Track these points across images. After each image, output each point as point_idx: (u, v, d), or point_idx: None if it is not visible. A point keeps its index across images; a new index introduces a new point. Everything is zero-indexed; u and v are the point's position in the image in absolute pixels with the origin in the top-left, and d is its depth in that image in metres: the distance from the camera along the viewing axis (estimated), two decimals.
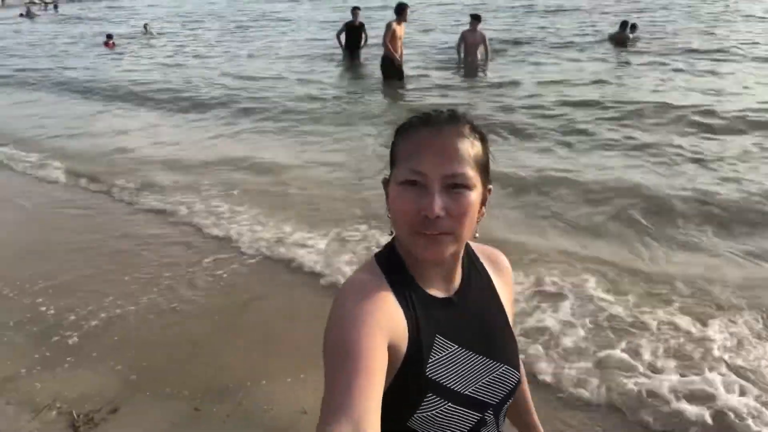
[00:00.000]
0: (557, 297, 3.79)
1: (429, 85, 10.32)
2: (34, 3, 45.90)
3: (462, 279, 1.11)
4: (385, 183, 1.07)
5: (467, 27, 11.50)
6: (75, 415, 2.93)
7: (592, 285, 3.91)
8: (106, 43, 18.71)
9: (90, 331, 3.69)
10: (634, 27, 13.49)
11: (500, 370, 1.10)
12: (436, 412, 0.99)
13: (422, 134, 1.00)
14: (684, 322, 3.48)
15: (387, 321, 0.94)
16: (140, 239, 4.99)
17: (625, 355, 3.22)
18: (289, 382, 3.12)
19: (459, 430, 1.02)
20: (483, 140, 1.04)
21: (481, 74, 11.24)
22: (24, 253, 4.85)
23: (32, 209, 5.85)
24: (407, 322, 0.99)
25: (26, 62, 16.43)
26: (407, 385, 0.99)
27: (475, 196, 0.99)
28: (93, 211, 5.67)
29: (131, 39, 19.93)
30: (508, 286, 1.21)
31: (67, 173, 6.87)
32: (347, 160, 6.67)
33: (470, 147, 1.00)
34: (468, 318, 1.09)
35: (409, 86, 10.27)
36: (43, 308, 3.95)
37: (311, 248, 4.59)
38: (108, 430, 2.86)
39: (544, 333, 3.44)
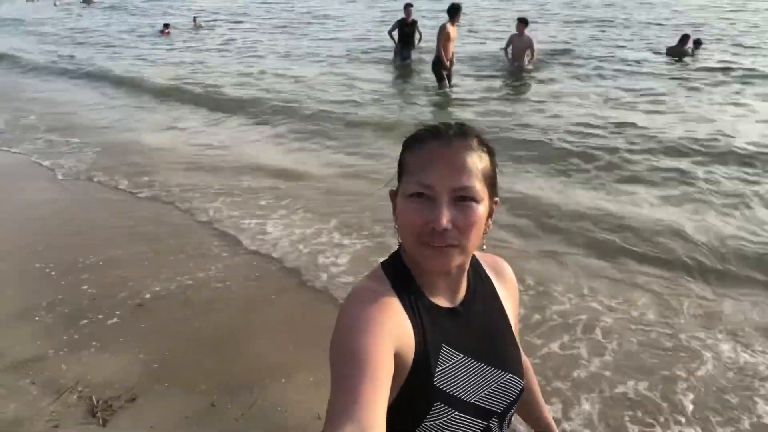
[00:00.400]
0: None
1: (474, 92, 10.16)
2: None
3: (467, 289, 1.13)
4: (393, 195, 1.09)
5: (515, 32, 11.36)
6: (95, 400, 2.98)
7: None
8: (162, 32, 19.22)
9: (119, 316, 3.76)
10: (697, 43, 13.00)
11: (505, 379, 1.12)
12: (444, 421, 1.01)
13: (431, 147, 1.01)
14: None
15: (394, 328, 0.96)
16: (176, 235, 5.03)
17: None
18: (306, 385, 3.11)
19: None
20: (491, 154, 1.06)
21: (528, 82, 11.04)
22: (68, 236, 4.98)
23: (74, 198, 5.98)
24: (414, 331, 1.01)
25: (81, 52, 16.82)
26: (415, 395, 1.00)
27: (482, 209, 1.01)
28: (131, 206, 5.71)
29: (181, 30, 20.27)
30: (512, 296, 1.24)
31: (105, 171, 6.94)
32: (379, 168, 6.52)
33: (478, 160, 1.01)
34: (473, 327, 1.11)
35: (455, 94, 10.07)
36: (77, 291, 4.05)
37: (344, 254, 4.56)
38: (125, 417, 2.90)
39: None
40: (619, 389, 3.11)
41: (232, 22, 22.31)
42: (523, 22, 11.08)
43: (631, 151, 6.86)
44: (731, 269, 4.30)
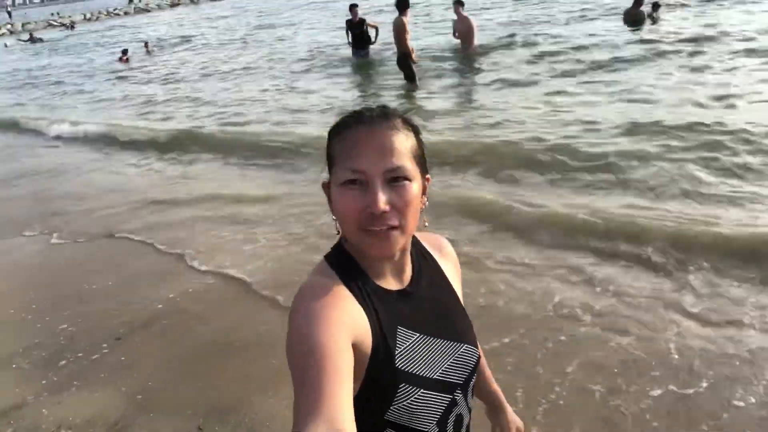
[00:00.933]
0: None
1: (439, 86, 9.97)
2: (53, 25, 47.29)
3: (413, 269, 1.14)
4: (326, 186, 1.07)
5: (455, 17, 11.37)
6: None
7: None
8: (120, 59, 19.02)
9: (99, 352, 3.69)
10: (655, 5, 12.83)
11: (461, 350, 1.14)
12: (411, 401, 1.02)
13: (357, 132, 1.01)
14: None
15: (348, 320, 0.95)
16: (146, 266, 4.94)
17: None
18: (290, 400, 3.05)
19: (433, 414, 1.05)
20: (416, 132, 1.07)
21: (477, 64, 11.03)
22: (39, 278, 4.89)
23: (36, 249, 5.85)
24: (368, 319, 1.00)
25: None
26: (379, 380, 1.00)
27: (416, 187, 1.02)
28: (98, 249, 5.56)
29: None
30: (455, 270, 1.26)
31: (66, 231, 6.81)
32: None
33: (405, 140, 1.02)
34: (424, 305, 1.12)
35: (422, 90, 9.79)
36: (53, 332, 3.97)
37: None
38: None
39: None
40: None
41: (181, 44, 22.20)
42: (459, 4, 11.03)
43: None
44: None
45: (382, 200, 0.97)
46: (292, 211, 5.59)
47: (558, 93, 8.41)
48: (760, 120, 6.15)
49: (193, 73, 15.21)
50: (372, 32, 12.36)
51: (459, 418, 1.13)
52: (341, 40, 13.48)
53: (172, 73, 15.74)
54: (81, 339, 3.86)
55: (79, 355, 3.69)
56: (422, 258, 1.19)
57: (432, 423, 1.05)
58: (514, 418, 1.43)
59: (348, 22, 12.22)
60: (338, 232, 1.08)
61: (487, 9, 17.75)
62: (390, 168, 0.98)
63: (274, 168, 7.22)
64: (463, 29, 11.41)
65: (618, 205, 4.85)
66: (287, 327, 0.95)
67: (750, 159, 5.40)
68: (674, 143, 5.93)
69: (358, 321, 0.98)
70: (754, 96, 7.13)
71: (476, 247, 4.48)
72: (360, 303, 1.01)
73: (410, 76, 9.82)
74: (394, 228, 1.00)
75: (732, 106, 6.87)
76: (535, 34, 12.67)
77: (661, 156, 5.67)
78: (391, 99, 9.41)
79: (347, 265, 1.07)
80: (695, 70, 8.59)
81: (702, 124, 6.30)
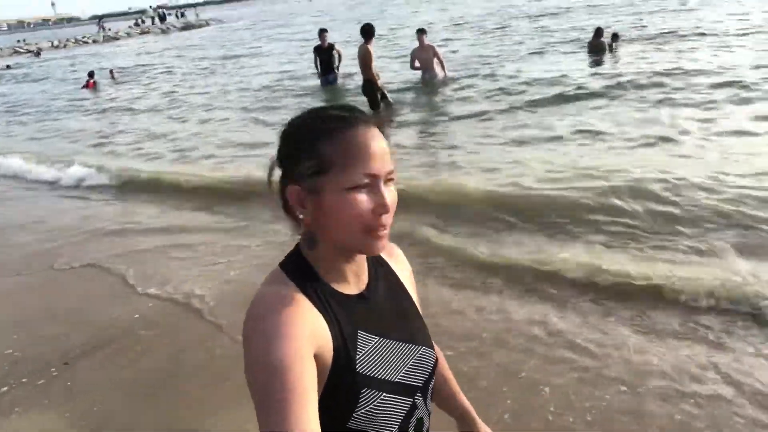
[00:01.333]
0: None
1: (406, 115, 9.93)
2: (19, 51, 46.73)
3: (369, 273, 1.13)
4: (301, 193, 1.01)
5: (417, 44, 11.30)
6: None
7: None
8: (87, 84, 18.77)
9: (44, 378, 3.53)
10: (615, 36, 13.35)
11: (420, 352, 1.14)
12: (374, 406, 1.00)
13: (357, 135, 0.99)
14: None
15: (309, 329, 0.93)
16: (94, 290, 4.80)
17: None
18: (244, 422, 2.95)
19: (396, 418, 1.04)
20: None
21: (440, 91, 11.08)
22: None
23: None
24: (328, 325, 0.99)
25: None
26: (340, 386, 0.99)
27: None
28: (45, 277, 5.34)
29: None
30: (409, 276, 1.26)
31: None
32: None
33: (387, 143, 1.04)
34: (382, 309, 1.12)
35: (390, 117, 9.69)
36: None
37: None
38: None
39: None
40: None
41: (146, 72, 22.02)
42: (422, 32, 11.09)
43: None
44: None
45: (390, 202, 0.99)
46: (242, 241, 5.45)
47: (516, 129, 8.16)
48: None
49: (153, 104, 14.81)
50: (336, 60, 12.27)
51: (419, 422, 1.12)
52: (309, 68, 13.33)
53: (133, 102, 15.43)
54: (26, 364, 3.70)
55: (24, 380, 3.52)
56: (376, 262, 1.18)
57: (394, 428, 1.04)
58: (486, 430, 1.42)
59: (317, 48, 12.14)
60: (308, 238, 1.04)
61: (450, 40, 18.06)
62: (389, 170, 1.00)
63: (225, 202, 6.76)
64: (426, 58, 11.38)
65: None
66: (244, 344, 0.90)
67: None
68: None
69: (318, 330, 0.96)
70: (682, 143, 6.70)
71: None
72: (319, 309, 0.99)
73: (374, 104, 9.81)
74: (388, 228, 1.02)
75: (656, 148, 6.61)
76: (498, 68, 12.67)
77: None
78: None
79: (304, 272, 1.04)
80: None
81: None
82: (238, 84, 15.66)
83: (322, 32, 11.95)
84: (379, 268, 1.18)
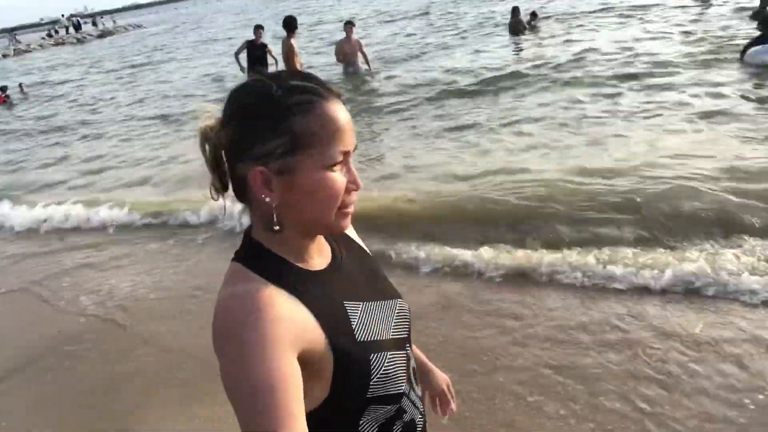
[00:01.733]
0: None
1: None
2: None
3: (329, 243, 1.09)
4: (274, 172, 0.91)
5: (344, 36, 10.99)
6: None
7: None
8: None
9: None
10: (533, 15, 13.65)
11: (398, 305, 1.13)
12: (385, 368, 0.98)
13: (332, 110, 0.92)
14: None
15: (289, 329, 0.85)
16: (12, 312, 4.62)
17: None
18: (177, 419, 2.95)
19: (403, 373, 1.03)
20: None
21: (366, 82, 10.95)
22: None
23: None
24: (312, 312, 0.92)
25: None
26: (350, 363, 0.94)
27: None
28: None
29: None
30: (354, 233, 1.24)
31: None
32: None
33: None
34: (353, 275, 1.09)
35: None
36: None
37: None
38: None
39: None
40: None
41: (57, 85, 20.81)
42: (350, 25, 10.81)
43: None
44: None
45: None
46: (165, 250, 5.37)
47: (442, 120, 7.99)
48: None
49: (64, 121, 13.73)
50: (272, 62, 11.51)
51: (415, 371, 1.15)
52: (228, 65, 12.82)
53: (42, 119, 14.43)
54: None
55: None
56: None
57: (403, 382, 1.03)
58: (441, 376, 1.43)
59: (249, 43, 11.32)
60: (270, 222, 0.94)
61: (371, 30, 17.93)
62: (355, 145, 0.97)
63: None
64: (352, 52, 11.06)
65: None
66: (219, 358, 0.82)
67: None
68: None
69: (301, 322, 0.89)
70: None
71: None
72: (297, 297, 0.91)
73: None
74: None
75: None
76: (422, 59, 12.57)
77: None
78: None
79: (268, 260, 0.95)
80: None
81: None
82: (156, 91, 14.97)
83: (258, 28, 11.33)
84: (334, 237, 1.13)
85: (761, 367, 2.74)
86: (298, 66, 9.44)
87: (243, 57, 11.37)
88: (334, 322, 0.95)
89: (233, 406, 0.79)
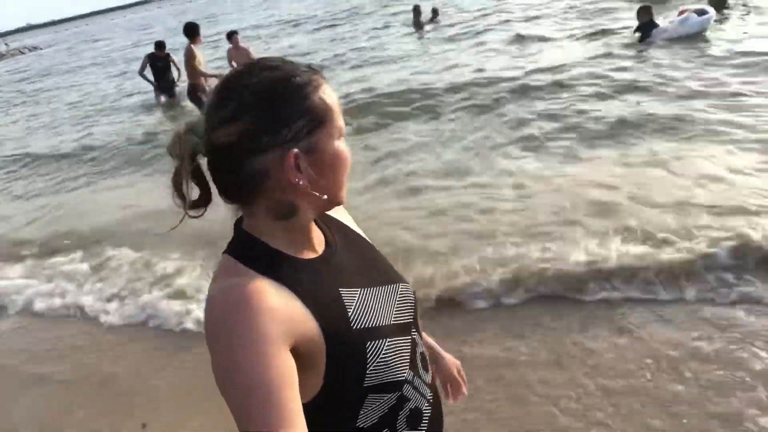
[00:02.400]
0: None
1: None
2: None
3: (321, 230, 1.08)
4: (303, 153, 0.92)
5: (230, 46, 10.57)
6: None
7: None
8: None
9: None
10: (435, 12, 14.16)
11: (399, 289, 1.10)
12: (383, 355, 0.97)
13: (328, 85, 0.97)
14: None
15: (284, 320, 0.84)
16: None
17: None
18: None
19: (405, 359, 1.01)
20: None
21: None
22: None
23: None
24: (303, 302, 0.91)
25: None
26: (345, 352, 0.93)
27: None
28: None
29: None
30: (349, 216, 1.23)
31: None
32: None
33: None
34: (350, 260, 1.07)
35: None
36: None
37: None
38: None
39: None
40: None
41: None
42: (234, 34, 10.52)
43: None
44: None
45: None
46: None
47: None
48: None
49: None
50: (175, 72, 11.28)
51: (423, 356, 1.11)
52: (127, 83, 12.26)
53: None
54: None
55: None
56: (323, 219, 1.12)
57: (406, 368, 1.01)
58: (452, 360, 1.41)
59: (151, 56, 11.06)
60: (284, 209, 0.96)
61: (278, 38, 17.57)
62: None
63: None
64: (239, 60, 10.31)
65: None
66: (212, 354, 0.82)
67: None
68: None
69: (292, 315, 0.88)
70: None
71: None
72: (289, 288, 0.91)
73: (201, 107, 9.15)
74: None
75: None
76: (331, 64, 12.36)
77: None
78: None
79: (261, 251, 0.95)
80: None
81: None
82: (56, 116, 13.80)
83: (160, 45, 11.09)
84: (327, 222, 1.12)
85: None
86: (201, 74, 9.01)
87: (149, 73, 11.15)
88: (328, 311, 0.94)
89: (228, 404, 0.79)
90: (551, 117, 6.38)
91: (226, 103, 0.90)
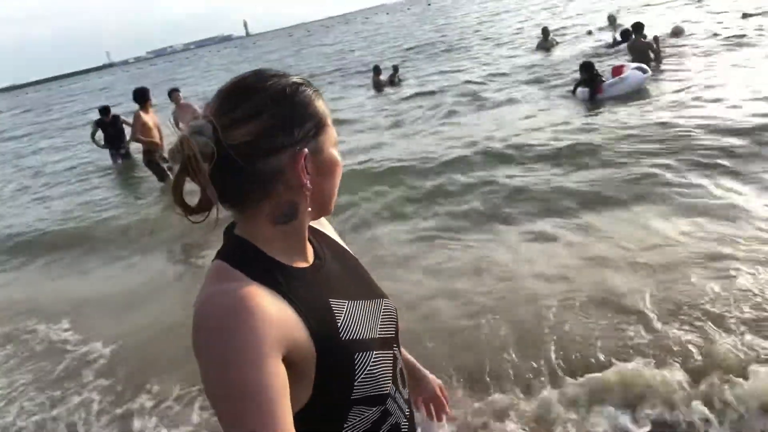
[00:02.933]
0: None
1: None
2: None
3: (311, 242, 1.07)
4: (310, 154, 0.94)
5: (174, 104, 10.25)
6: None
7: None
8: None
9: None
10: (395, 69, 14.26)
11: (383, 305, 1.11)
12: (370, 367, 0.96)
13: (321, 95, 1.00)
14: None
15: (276, 327, 0.83)
16: None
17: None
18: None
19: (389, 373, 1.01)
20: None
21: None
22: None
23: None
24: (297, 311, 0.90)
25: None
26: (334, 361, 0.93)
27: None
28: None
29: None
30: (334, 232, 1.23)
31: None
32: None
33: None
34: (337, 273, 1.07)
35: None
36: None
37: None
38: None
39: None
40: None
41: None
42: (176, 91, 10.31)
43: None
44: None
45: None
46: None
47: None
48: None
49: None
50: (127, 130, 10.75)
51: (401, 372, 1.11)
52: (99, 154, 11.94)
53: None
54: None
55: None
56: (309, 231, 1.10)
57: (389, 383, 1.01)
58: (433, 380, 1.43)
59: (98, 122, 11.05)
60: (285, 212, 0.95)
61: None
62: None
63: None
64: (183, 116, 9.75)
65: None
66: (199, 362, 0.79)
67: None
68: None
69: (284, 322, 0.86)
70: None
71: None
72: (282, 295, 0.89)
73: (160, 176, 8.84)
74: None
75: None
76: None
77: None
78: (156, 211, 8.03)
79: (255, 257, 0.93)
80: None
81: None
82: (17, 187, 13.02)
83: (105, 110, 11.07)
84: (316, 235, 1.12)
85: None
86: (151, 140, 8.64)
87: (100, 136, 11.22)
88: (318, 321, 0.93)
89: (216, 414, 0.77)
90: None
91: (240, 104, 0.90)
